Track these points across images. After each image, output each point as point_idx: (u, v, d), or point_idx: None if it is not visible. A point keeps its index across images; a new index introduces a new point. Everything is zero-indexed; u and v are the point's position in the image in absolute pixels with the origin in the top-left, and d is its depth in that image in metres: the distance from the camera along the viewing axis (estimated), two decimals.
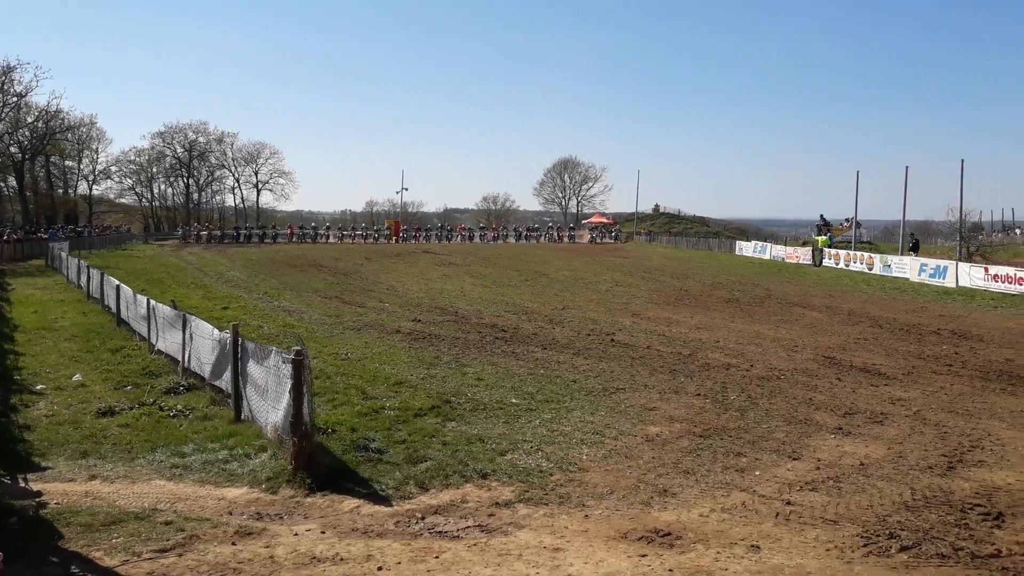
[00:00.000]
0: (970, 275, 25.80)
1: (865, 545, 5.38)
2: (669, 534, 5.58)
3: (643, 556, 5.21)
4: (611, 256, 42.30)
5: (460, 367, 11.30)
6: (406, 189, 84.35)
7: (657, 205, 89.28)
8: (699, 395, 10.00)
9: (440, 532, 5.73)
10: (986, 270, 25.61)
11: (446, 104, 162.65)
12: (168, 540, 5.48)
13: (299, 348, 6.97)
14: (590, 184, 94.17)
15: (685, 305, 20.55)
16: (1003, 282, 24.21)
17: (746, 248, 46.74)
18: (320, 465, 6.85)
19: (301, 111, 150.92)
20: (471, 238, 63.58)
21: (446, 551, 5.35)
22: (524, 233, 66.36)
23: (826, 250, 37.25)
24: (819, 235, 46.32)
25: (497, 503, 6.26)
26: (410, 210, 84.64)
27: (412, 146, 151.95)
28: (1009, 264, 27.24)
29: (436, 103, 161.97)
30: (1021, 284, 23.46)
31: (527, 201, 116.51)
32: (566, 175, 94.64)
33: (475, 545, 5.46)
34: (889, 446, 7.86)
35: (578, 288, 24.67)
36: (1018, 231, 54.18)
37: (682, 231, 75.86)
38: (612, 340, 14.16)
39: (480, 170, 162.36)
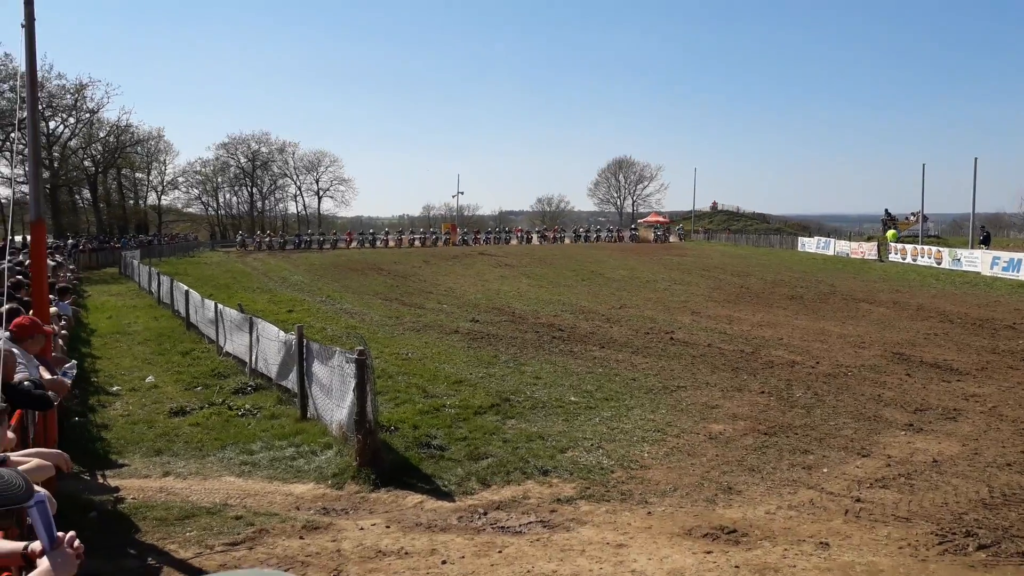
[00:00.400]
0: None
1: (940, 543, 5.21)
2: (735, 531, 5.50)
3: (708, 553, 5.14)
4: (668, 255, 41.81)
5: (518, 366, 11.34)
6: (462, 193, 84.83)
7: (715, 203, 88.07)
8: (763, 392, 9.82)
9: (502, 527, 5.76)
10: None
11: (499, 107, 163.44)
12: (239, 534, 5.65)
13: (362, 348, 7.11)
14: (645, 183, 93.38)
15: (746, 302, 20.19)
16: None
17: (808, 244, 45.65)
18: (384, 462, 6.97)
19: (359, 119, 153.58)
20: (528, 239, 62.32)
21: (509, 546, 5.38)
22: (583, 234, 63.62)
23: (892, 245, 36.13)
24: (885, 230, 44.98)
25: (558, 499, 6.27)
26: (466, 213, 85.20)
27: (467, 150, 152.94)
28: None
29: (489, 106, 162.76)
30: None
31: (581, 202, 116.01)
32: (621, 175, 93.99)
33: (537, 540, 5.47)
34: (964, 443, 7.59)
35: (635, 287, 24.47)
36: None
37: (741, 228, 74.52)
38: (671, 338, 14.01)
39: (534, 172, 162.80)
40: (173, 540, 5.57)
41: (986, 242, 33.88)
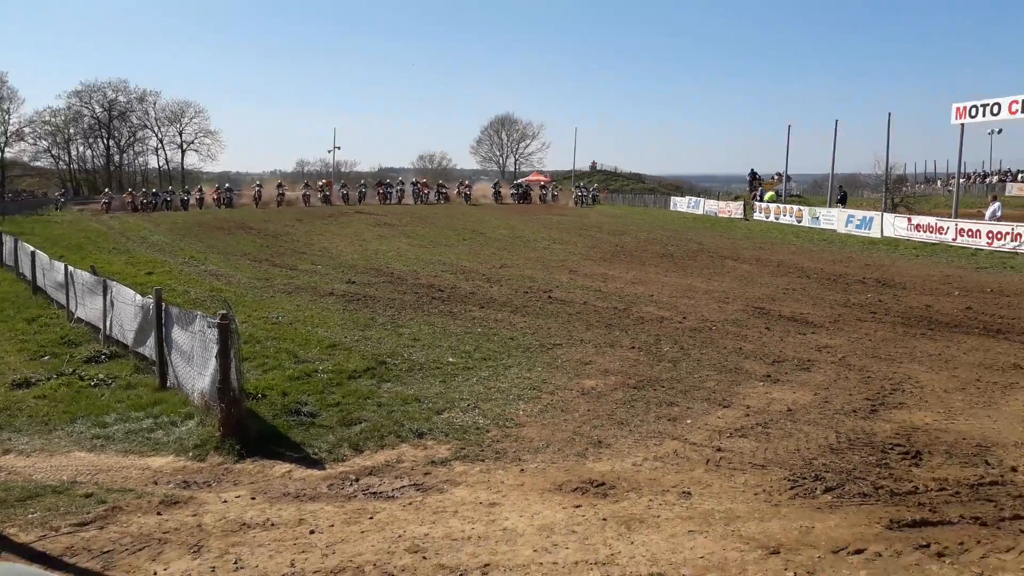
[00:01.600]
0: (894, 225, 26.71)
1: (792, 488, 5.54)
2: (603, 484, 5.64)
3: (578, 507, 5.25)
4: (548, 214, 42.31)
5: (396, 328, 11.16)
6: (339, 148, 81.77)
7: (594, 162, 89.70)
8: (633, 348, 10.12)
9: (375, 493, 5.66)
10: (909, 220, 26.53)
11: (378, 61, 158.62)
12: (88, 513, 5.28)
13: (225, 312, 6.74)
14: (528, 142, 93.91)
15: (621, 261, 20.74)
16: (924, 231, 25.15)
17: (680, 203, 47.35)
18: (250, 431, 6.69)
19: (227, 69, 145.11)
20: (446, 197, 53.74)
21: (380, 511, 5.30)
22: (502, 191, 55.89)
23: (757, 204, 38.05)
24: (751, 189, 47.29)
25: (433, 461, 6.23)
26: (343, 169, 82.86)
27: (344, 104, 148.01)
28: (930, 214, 28.25)
29: (367, 60, 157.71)
30: (941, 233, 24.40)
31: (464, 159, 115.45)
32: (503, 133, 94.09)
33: (410, 504, 5.42)
34: (815, 392, 8.10)
35: (516, 246, 24.63)
36: (939, 183, 56.21)
37: (619, 188, 76.34)
38: (549, 297, 14.20)
39: (415, 128, 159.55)
40: (13, 523, 5.13)
41: (843, 201, 36.22)
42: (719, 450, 6.36)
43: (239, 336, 7.11)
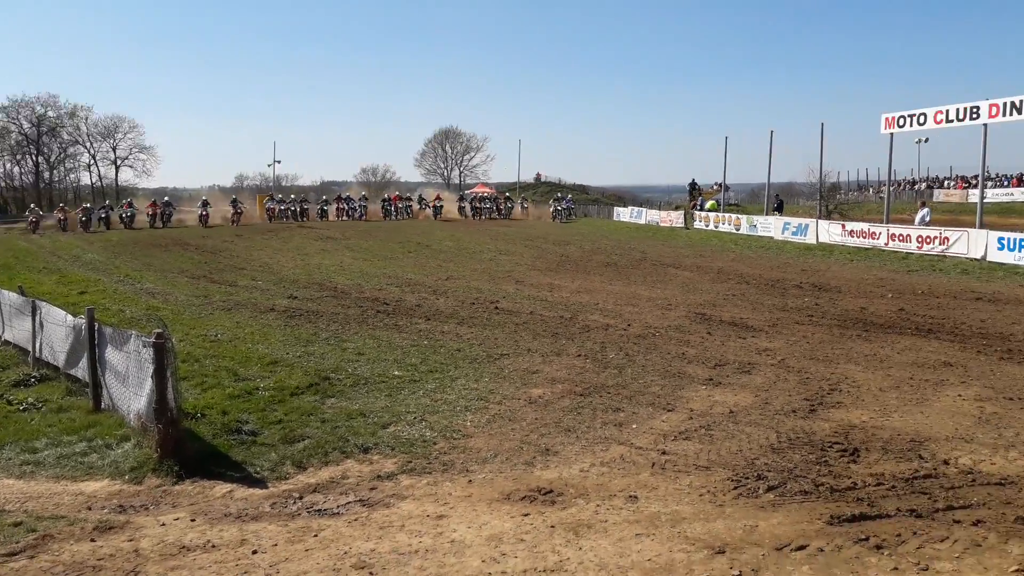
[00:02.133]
0: (829, 232, 27.53)
1: (735, 488, 5.63)
2: (551, 491, 5.64)
3: (526, 515, 5.23)
4: (495, 225, 42.39)
5: (339, 343, 11.01)
6: (278, 162, 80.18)
7: (539, 174, 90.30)
8: (580, 356, 10.18)
9: (319, 510, 5.55)
10: (843, 226, 27.38)
11: (319, 73, 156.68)
12: (17, 542, 5.05)
13: (160, 331, 6.55)
14: (472, 154, 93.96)
15: (566, 270, 20.89)
16: (858, 237, 25.98)
17: (623, 214, 47.99)
18: (189, 451, 6.51)
19: (162, 84, 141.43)
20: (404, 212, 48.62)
21: (325, 528, 5.19)
22: (470, 206, 49.66)
23: (697, 213, 38.83)
24: (691, 199, 48.22)
25: (379, 476, 6.14)
26: (284, 184, 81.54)
27: (285, 117, 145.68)
28: (863, 220, 29.23)
29: (308, 73, 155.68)
30: (874, 238, 25.24)
31: (408, 172, 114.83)
32: (447, 145, 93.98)
33: (356, 520, 5.33)
34: (756, 393, 8.27)
35: (462, 258, 24.59)
36: (871, 190, 58.22)
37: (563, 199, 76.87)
38: (496, 308, 14.20)
39: (358, 141, 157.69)
40: None
41: (779, 209, 37.21)
42: (664, 453, 6.42)
43: (176, 355, 6.93)
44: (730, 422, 7.25)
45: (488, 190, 74.92)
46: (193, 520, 5.39)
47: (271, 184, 75.42)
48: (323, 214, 46.53)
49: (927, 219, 25.04)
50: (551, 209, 48.78)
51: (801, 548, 4.59)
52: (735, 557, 4.50)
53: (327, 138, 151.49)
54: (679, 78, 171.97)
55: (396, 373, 9.25)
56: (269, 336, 11.49)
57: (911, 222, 25.62)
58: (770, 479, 5.76)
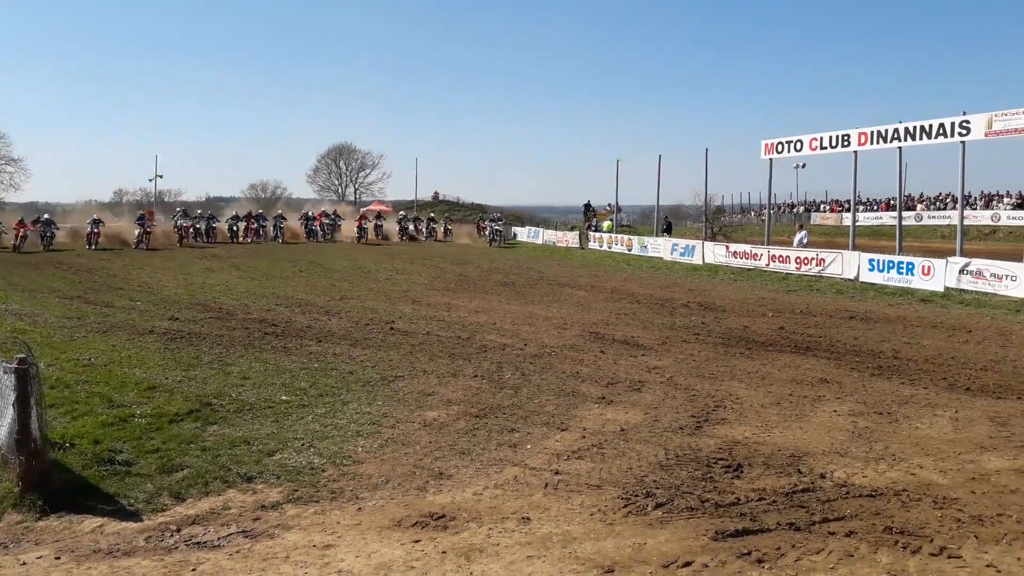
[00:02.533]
0: (714, 253, 28.71)
1: (625, 506, 5.70)
2: (443, 516, 5.55)
3: (416, 542, 5.12)
4: (390, 244, 41.91)
5: (223, 367, 10.52)
6: (160, 176, 76.17)
7: (436, 192, 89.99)
8: (476, 376, 10.13)
9: (198, 543, 5.25)
10: (727, 248, 28.62)
11: (205, 87, 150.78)
12: None
13: (24, 355, 6.07)
14: (367, 171, 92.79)
15: (464, 290, 20.86)
16: (741, 258, 27.20)
17: (521, 233, 48.48)
18: (55, 484, 6.04)
19: (32, 94, 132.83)
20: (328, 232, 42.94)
21: (204, 562, 4.92)
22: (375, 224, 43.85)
23: (592, 234, 39.74)
24: (586, 220, 49.27)
25: (263, 506, 5.87)
26: (167, 199, 77.87)
27: (167, 131, 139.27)
28: (746, 242, 30.68)
29: (192, 84, 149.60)
30: (756, 259, 26.49)
31: (300, 188, 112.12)
32: (341, 162, 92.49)
33: (237, 552, 5.07)
34: (646, 411, 8.45)
35: (356, 277, 24.15)
36: (752, 213, 61.20)
37: (462, 218, 77.03)
38: (391, 328, 13.98)
39: (247, 156, 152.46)
40: None
41: (668, 231, 38.57)
42: (557, 473, 6.45)
43: (41, 381, 6.44)
44: (621, 440, 7.37)
45: (385, 208, 74.12)
46: (58, 558, 4.99)
47: (152, 200, 72.00)
48: (233, 233, 40.32)
49: (804, 241, 26.51)
50: (487, 232, 43.96)
51: (687, 565, 4.68)
52: None
53: (213, 152, 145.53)
54: (574, 100, 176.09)
55: (284, 398, 8.92)
56: (147, 360, 10.86)
57: (790, 244, 27.06)
58: (658, 496, 5.87)
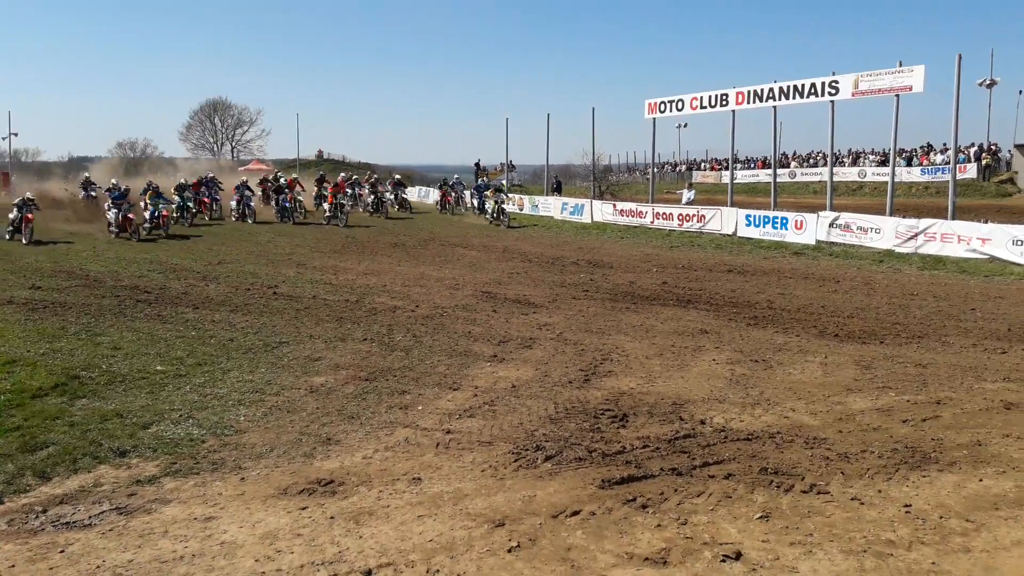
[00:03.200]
0: (602, 211, 29.26)
1: (516, 460, 5.76)
2: (331, 482, 5.44)
3: (304, 508, 5.00)
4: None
5: (92, 337, 9.88)
6: (15, 134, 70.14)
7: (320, 151, 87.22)
8: (366, 340, 9.95)
9: (67, 523, 4.93)
10: (614, 206, 29.23)
11: (63, 38, 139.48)
12: None
13: None
14: (245, 128, 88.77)
15: (352, 252, 20.39)
16: (627, 216, 27.86)
17: (411, 193, 47.76)
18: None
19: None
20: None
21: (75, 542, 4.62)
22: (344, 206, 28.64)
23: (486, 194, 39.59)
24: (477, 179, 49.07)
25: (139, 481, 5.58)
26: (24, 159, 71.93)
27: (23, 86, 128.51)
28: (632, 200, 31.40)
29: (49, 37, 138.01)
30: (641, 217, 27.19)
31: (172, 147, 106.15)
32: (216, 118, 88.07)
33: (111, 530, 4.79)
34: (537, 367, 8.55)
35: (234, 240, 23.15)
36: (638, 172, 62.67)
37: (349, 178, 75.09)
38: (274, 293, 13.51)
39: (111, 113, 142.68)
40: None
41: (558, 190, 39.00)
42: (448, 432, 6.44)
43: None
44: (512, 396, 7.43)
45: (265, 167, 71.05)
46: None
47: (7, 160, 66.35)
48: (184, 211, 27.60)
49: (691, 198, 27.41)
50: (472, 204, 34.16)
51: (575, 513, 4.79)
52: (514, 528, 4.60)
53: (75, 109, 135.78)
54: (463, 59, 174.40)
55: (159, 368, 8.48)
56: (6, 332, 10.05)
57: (678, 201, 27.93)
58: (548, 449, 5.96)
